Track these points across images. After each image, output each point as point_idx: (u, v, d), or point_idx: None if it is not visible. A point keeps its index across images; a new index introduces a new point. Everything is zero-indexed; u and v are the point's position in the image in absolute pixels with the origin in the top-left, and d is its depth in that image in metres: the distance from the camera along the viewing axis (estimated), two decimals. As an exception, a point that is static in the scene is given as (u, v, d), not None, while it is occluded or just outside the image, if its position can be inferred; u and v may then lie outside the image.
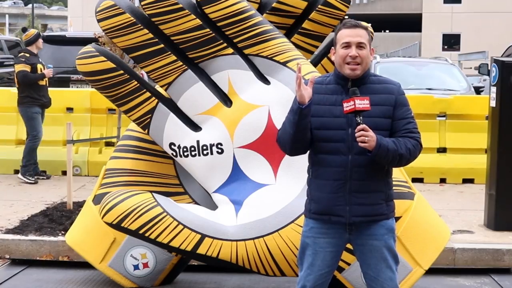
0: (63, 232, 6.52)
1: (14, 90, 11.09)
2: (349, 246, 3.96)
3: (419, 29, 49.24)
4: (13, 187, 9.17)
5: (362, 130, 3.65)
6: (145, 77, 7.92)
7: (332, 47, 3.92)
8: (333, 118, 3.77)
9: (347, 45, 3.79)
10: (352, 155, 3.75)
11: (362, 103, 3.66)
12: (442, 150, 10.14)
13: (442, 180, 9.92)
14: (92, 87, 5.50)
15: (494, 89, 7.28)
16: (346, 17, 4.86)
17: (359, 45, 3.79)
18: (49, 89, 9.79)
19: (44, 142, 10.01)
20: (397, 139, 3.77)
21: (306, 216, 3.95)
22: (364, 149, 3.68)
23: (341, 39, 3.82)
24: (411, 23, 49.57)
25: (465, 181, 9.89)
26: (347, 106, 3.69)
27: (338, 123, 3.75)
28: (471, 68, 26.70)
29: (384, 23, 52.36)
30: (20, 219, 7.17)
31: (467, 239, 6.78)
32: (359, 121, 3.67)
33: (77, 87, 12.53)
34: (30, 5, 55.93)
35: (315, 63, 5.56)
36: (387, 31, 54.12)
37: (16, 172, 10.08)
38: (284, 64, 5.04)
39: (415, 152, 3.82)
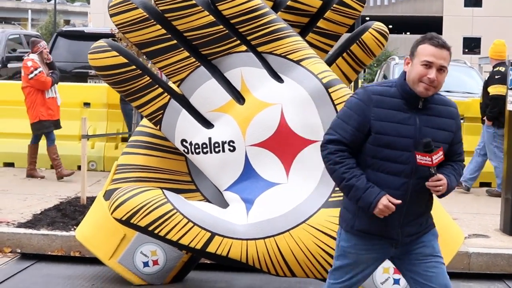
0: (75, 227, 6.51)
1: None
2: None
3: (439, 32, 48.96)
4: (28, 181, 9.19)
5: (437, 180, 3.51)
6: (163, 76, 7.87)
7: (407, 56, 3.64)
8: (400, 138, 3.51)
9: (428, 65, 3.50)
10: (414, 179, 3.54)
11: (438, 157, 3.49)
12: (459, 153, 10.03)
13: (459, 184, 9.82)
14: (104, 82, 5.47)
15: (511, 92, 7.19)
16: (367, 18, 4.80)
17: (440, 68, 3.52)
18: (66, 84, 9.77)
19: (60, 137, 10.02)
20: (455, 169, 3.66)
21: (347, 231, 3.69)
22: (425, 173, 3.51)
23: (424, 55, 3.51)
24: (432, 25, 49.25)
25: (482, 184, 9.79)
26: (422, 160, 3.47)
27: (404, 143, 3.51)
28: (491, 71, 26.49)
29: (405, 25, 52.18)
30: (33, 213, 7.18)
31: (482, 243, 6.70)
32: (433, 171, 3.50)
33: (94, 82, 12.55)
34: (52, 1, 56.18)
35: (329, 62, 5.49)
36: (408, 33, 53.93)
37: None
38: (298, 62, 4.99)
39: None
